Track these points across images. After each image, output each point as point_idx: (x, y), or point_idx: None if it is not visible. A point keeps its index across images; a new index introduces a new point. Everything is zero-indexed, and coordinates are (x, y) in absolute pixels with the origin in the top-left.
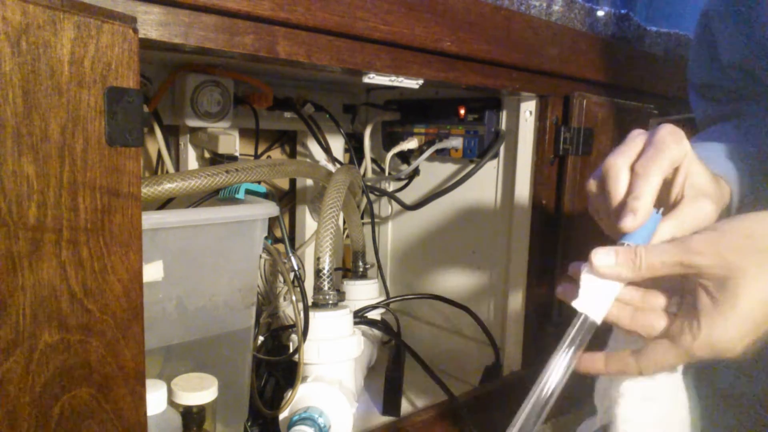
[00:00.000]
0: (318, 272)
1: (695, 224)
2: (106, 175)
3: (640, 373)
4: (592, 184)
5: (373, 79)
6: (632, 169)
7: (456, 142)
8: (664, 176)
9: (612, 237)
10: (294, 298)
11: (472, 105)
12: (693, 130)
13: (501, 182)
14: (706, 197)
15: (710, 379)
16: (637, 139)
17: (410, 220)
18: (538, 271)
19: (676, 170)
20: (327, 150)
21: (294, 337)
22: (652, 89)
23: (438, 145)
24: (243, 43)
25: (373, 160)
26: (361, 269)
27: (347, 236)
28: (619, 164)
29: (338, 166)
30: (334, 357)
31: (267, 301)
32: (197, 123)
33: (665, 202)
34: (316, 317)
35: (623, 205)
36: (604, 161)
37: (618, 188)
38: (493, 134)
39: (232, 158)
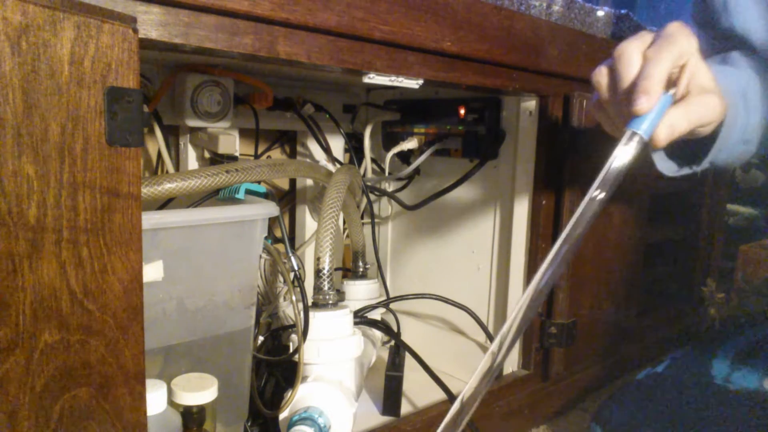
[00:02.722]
0: (318, 272)
1: (702, 115)
2: (106, 175)
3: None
4: (601, 72)
5: (373, 79)
6: (643, 55)
7: (456, 142)
8: (673, 64)
9: (616, 135)
10: (294, 298)
11: (472, 105)
12: None
13: (501, 182)
14: (712, 93)
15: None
16: (646, 33)
17: (410, 220)
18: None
19: (682, 68)
20: (327, 150)
21: (294, 337)
22: None
23: (438, 145)
24: (243, 43)
25: (373, 160)
26: (361, 269)
27: (347, 236)
28: (631, 48)
29: (338, 166)
30: (334, 357)
31: (267, 301)
32: (197, 123)
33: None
34: (316, 317)
35: (634, 86)
36: (615, 48)
37: (630, 70)
38: (493, 134)
39: (232, 158)
